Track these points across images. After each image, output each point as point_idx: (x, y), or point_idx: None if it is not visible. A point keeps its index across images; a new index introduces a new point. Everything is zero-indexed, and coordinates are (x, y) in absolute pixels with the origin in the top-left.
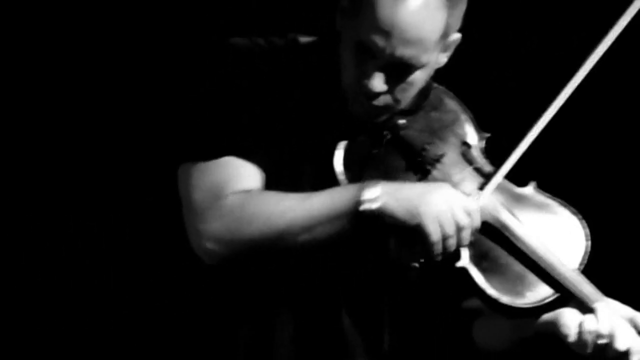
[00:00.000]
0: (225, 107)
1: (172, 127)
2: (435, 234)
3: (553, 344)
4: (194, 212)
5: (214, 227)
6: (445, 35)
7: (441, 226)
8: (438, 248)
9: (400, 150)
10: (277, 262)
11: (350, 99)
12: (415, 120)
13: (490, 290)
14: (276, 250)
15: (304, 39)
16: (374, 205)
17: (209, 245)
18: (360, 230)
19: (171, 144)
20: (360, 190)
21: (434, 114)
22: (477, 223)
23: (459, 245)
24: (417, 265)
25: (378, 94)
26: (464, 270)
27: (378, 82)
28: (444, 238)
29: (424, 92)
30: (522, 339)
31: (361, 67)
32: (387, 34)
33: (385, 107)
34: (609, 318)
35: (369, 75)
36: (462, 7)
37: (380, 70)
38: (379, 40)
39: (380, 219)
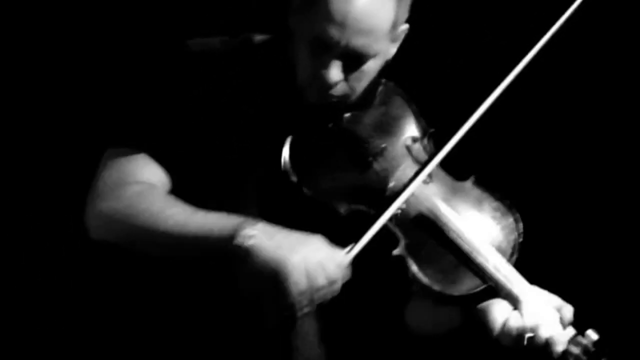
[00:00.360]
0: (158, 104)
1: (108, 116)
2: (299, 284)
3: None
4: (96, 188)
5: (108, 206)
6: (394, 25)
7: (307, 278)
8: (299, 300)
9: (344, 143)
10: (147, 253)
11: (307, 91)
12: (362, 115)
13: (424, 279)
14: (150, 247)
15: (257, 38)
16: (247, 242)
17: (96, 221)
18: (228, 262)
19: (103, 131)
20: (241, 224)
21: (381, 109)
22: (346, 278)
23: (322, 300)
24: (274, 319)
25: (335, 84)
26: (400, 258)
27: (335, 73)
28: (307, 291)
29: (373, 87)
30: (454, 324)
31: (317, 60)
32: (341, 25)
33: (342, 96)
34: (533, 312)
35: (325, 67)
36: None
37: (336, 60)
38: (334, 32)
39: (249, 257)
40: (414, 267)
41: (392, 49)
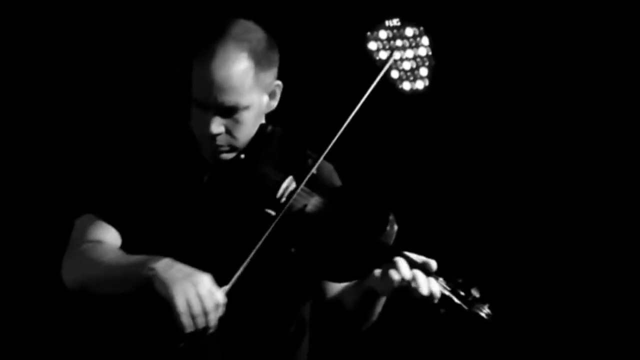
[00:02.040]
0: (105, 177)
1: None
2: (181, 307)
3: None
4: (66, 252)
5: (68, 264)
6: (258, 81)
7: (189, 306)
8: (186, 320)
9: (242, 176)
10: (106, 296)
11: (201, 146)
12: (254, 155)
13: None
14: (100, 288)
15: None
16: (150, 273)
17: (64, 277)
18: (149, 292)
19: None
20: (147, 260)
21: (269, 149)
22: (221, 310)
23: (207, 326)
24: (182, 342)
25: (218, 134)
26: (295, 253)
27: (215, 126)
28: (192, 316)
29: (261, 132)
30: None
31: (201, 119)
32: (207, 88)
33: (228, 145)
34: (406, 267)
35: (207, 122)
36: (269, 59)
37: (214, 116)
38: (204, 94)
39: (153, 284)
40: (312, 258)
41: (272, 102)
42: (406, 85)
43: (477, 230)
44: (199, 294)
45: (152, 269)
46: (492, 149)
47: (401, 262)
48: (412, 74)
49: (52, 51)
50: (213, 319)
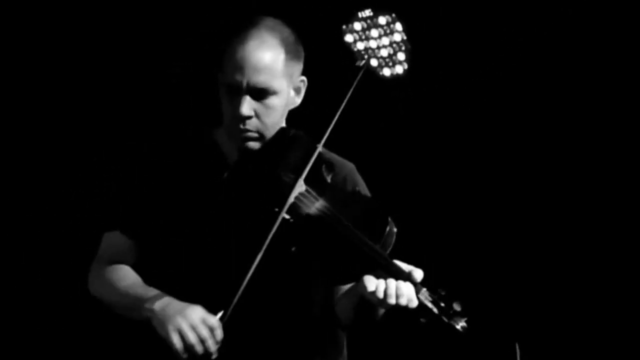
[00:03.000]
0: (127, 195)
1: (104, 207)
2: (177, 343)
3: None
4: (93, 264)
5: (92, 279)
6: (287, 69)
7: (183, 339)
8: (182, 355)
9: (259, 176)
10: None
11: (231, 132)
12: (272, 156)
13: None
14: (114, 310)
15: (196, 129)
16: (148, 315)
17: (89, 287)
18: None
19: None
20: (147, 299)
21: (288, 151)
22: (218, 337)
23: (206, 353)
24: None
25: (248, 117)
26: (297, 253)
27: (246, 108)
28: (188, 348)
29: (283, 134)
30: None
31: (232, 103)
32: (241, 69)
33: (257, 132)
34: (394, 285)
35: (239, 105)
36: (298, 52)
37: (245, 98)
38: (238, 76)
39: (151, 321)
40: (311, 258)
41: (297, 98)
42: (386, 72)
43: (469, 232)
44: (191, 325)
45: (151, 311)
46: (490, 144)
47: (390, 282)
48: (391, 60)
49: (67, 59)
50: (211, 344)
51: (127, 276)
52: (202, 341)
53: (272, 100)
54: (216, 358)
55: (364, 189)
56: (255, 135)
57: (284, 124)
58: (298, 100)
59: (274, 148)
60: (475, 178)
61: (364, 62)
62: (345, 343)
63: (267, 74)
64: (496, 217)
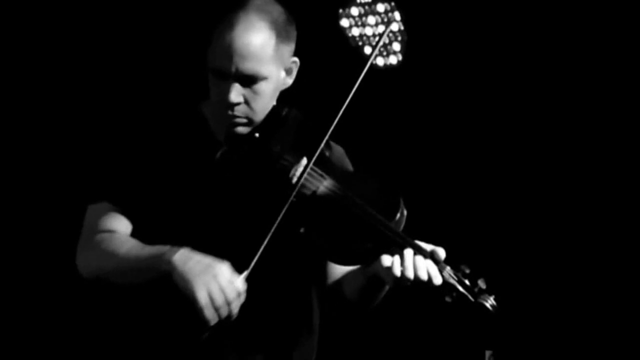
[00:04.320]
0: (117, 163)
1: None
2: (204, 303)
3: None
4: (80, 241)
5: (83, 254)
6: (277, 53)
7: (211, 299)
8: (208, 314)
9: (255, 155)
10: (121, 284)
11: (219, 118)
12: (268, 134)
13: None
14: (117, 279)
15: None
16: (168, 267)
17: (80, 266)
18: (169, 281)
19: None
20: (166, 252)
21: (284, 130)
22: (242, 299)
23: (230, 314)
24: (205, 333)
25: (236, 104)
26: (305, 234)
27: (234, 95)
28: (215, 308)
29: (277, 112)
30: (367, 285)
31: (220, 88)
32: (228, 55)
33: (245, 117)
34: (411, 257)
35: (226, 91)
36: (289, 33)
37: (233, 85)
38: (225, 62)
39: (172, 275)
40: (321, 239)
41: (288, 79)
42: (380, 61)
43: (486, 218)
44: (220, 285)
45: (170, 263)
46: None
47: (407, 253)
48: (386, 50)
49: (62, 40)
50: (235, 307)
51: (127, 240)
52: (229, 303)
53: (261, 86)
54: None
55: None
56: (244, 120)
57: (274, 103)
58: (290, 81)
59: (268, 128)
60: (474, 176)
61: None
62: (317, 325)
63: (256, 60)
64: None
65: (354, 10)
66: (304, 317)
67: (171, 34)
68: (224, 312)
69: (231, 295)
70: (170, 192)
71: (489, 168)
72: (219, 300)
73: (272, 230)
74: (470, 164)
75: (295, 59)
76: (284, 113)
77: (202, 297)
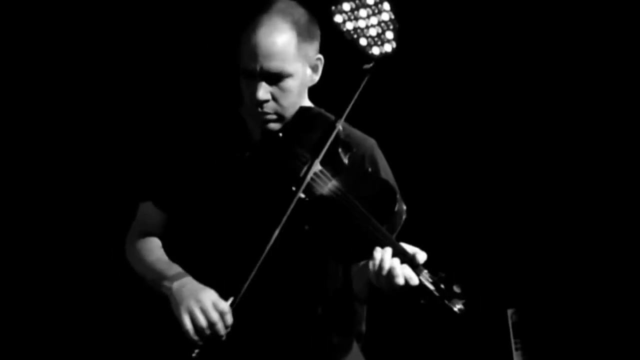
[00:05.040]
0: (160, 168)
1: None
2: (187, 325)
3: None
4: (129, 233)
5: (127, 247)
6: (301, 51)
7: (193, 320)
8: (192, 336)
9: (276, 153)
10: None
11: (253, 117)
12: (292, 135)
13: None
14: (143, 279)
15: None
16: (167, 292)
17: (126, 254)
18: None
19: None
20: (170, 279)
21: (308, 131)
22: (228, 322)
23: (215, 335)
24: (194, 351)
25: (265, 101)
26: (307, 231)
27: (262, 92)
28: (198, 330)
29: (304, 113)
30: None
31: (250, 89)
32: (254, 55)
33: (275, 113)
34: (389, 258)
35: (255, 90)
36: (311, 32)
37: (260, 84)
38: (252, 62)
39: (169, 298)
40: (320, 237)
41: (314, 76)
42: (375, 50)
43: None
44: (202, 308)
45: (169, 289)
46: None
47: (387, 254)
48: (379, 39)
49: (96, 41)
50: (220, 328)
51: (153, 250)
52: (212, 325)
53: (287, 83)
54: (225, 337)
55: (383, 165)
56: (274, 117)
57: (306, 102)
58: (316, 78)
59: (293, 127)
60: (473, 173)
61: (371, 65)
62: (364, 317)
63: (280, 59)
64: (496, 202)
65: (346, 6)
66: (315, 313)
67: (215, 42)
68: (208, 333)
69: (213, 317)
70: (206, 192)
71: (489, 168)
72: (201, 322)
73: (280, 225)
74: (470, 163)
75: (320, 56)
76: (310, 113)
77: (185, 320)
